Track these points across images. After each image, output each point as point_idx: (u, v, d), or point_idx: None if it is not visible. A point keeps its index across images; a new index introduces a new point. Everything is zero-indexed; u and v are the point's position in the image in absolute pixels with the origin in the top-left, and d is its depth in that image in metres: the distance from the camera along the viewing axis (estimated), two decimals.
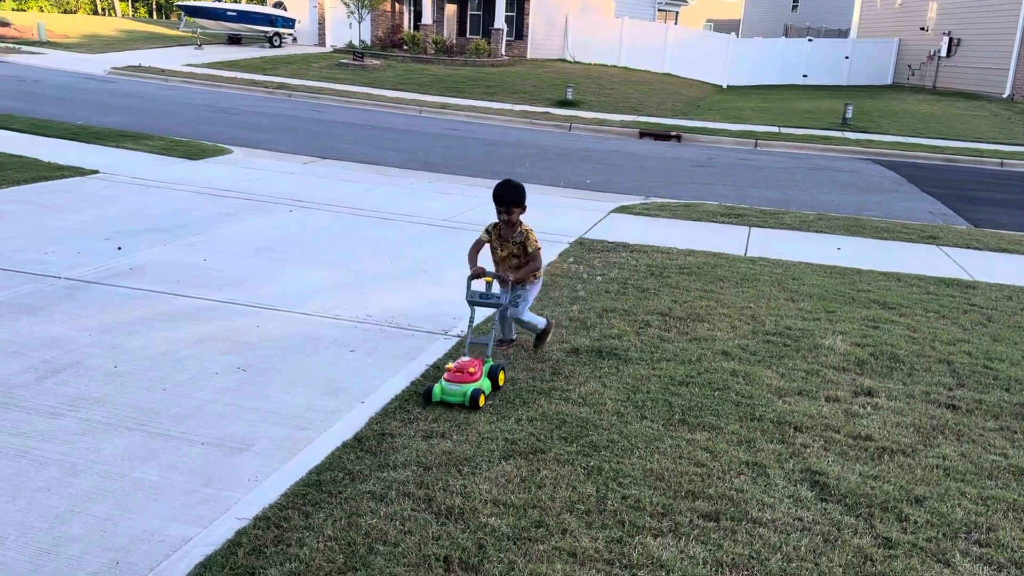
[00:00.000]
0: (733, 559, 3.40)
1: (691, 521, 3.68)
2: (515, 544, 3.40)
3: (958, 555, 3.54)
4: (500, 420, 4.56)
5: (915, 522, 3.78)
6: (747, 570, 3.34)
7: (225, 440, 4.12)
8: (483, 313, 6.23)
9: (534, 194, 6.20)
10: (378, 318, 6.13)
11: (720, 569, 3.33)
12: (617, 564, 3.31)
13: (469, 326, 5.20)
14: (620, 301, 6.94)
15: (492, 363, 4.95)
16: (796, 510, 3.83)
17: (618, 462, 4.16)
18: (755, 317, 6.74)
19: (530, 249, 5.30)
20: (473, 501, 3.70)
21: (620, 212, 11.00)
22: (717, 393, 5.14)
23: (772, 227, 10.56)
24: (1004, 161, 19.47)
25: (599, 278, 7.67)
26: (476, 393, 4.65)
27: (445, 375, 4.68)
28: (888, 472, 4.26)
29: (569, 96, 25.95)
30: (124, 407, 4.42)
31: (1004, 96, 30.95)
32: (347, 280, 7.10)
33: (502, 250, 5.34)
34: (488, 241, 5.36)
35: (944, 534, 3.70)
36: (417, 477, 3.88)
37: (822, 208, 12.52)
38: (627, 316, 6.55)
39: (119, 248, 7.46)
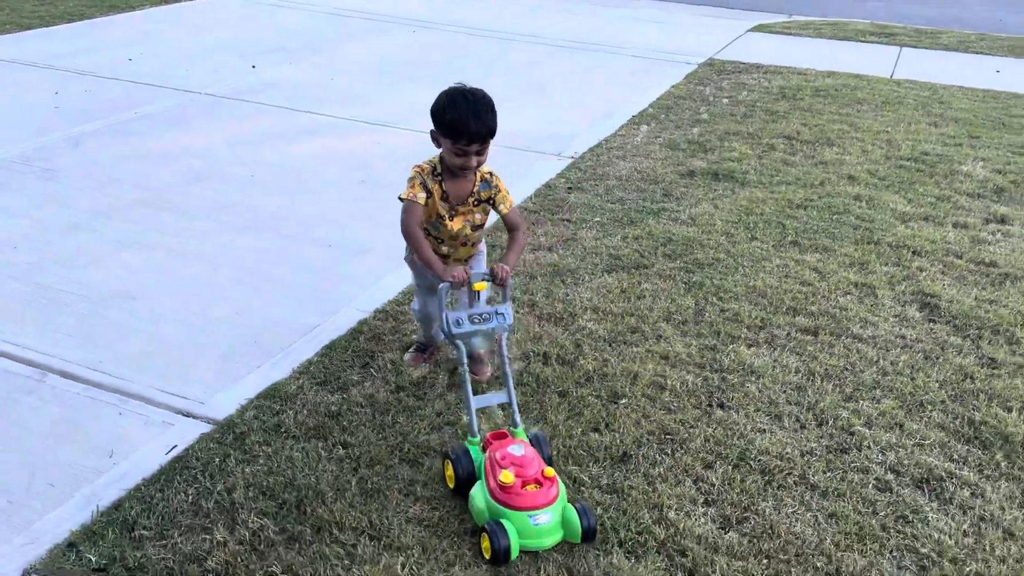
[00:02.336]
0: (826, 369, 3.46)
1: (788, 335, 3.73)
2: (610, 345, 3.59)
3: None
4: (606, 237, 4.66)
5: None
6: (838, 380, 3.40)
7: (347, 243, 4.45)
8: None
9: (657, 10, 5.89)
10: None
11: (811, 377, 3.41)
12: (708, 368, 3.45)
13: (464, 373, 2.75)
14: (745, 124, 6.69)
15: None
16: (900, 329, 3.80)
17: (720, 279, 4.21)
18: (890, 142, 6.36)
19: (505, 209, 3.03)
20: (573, 307, 3.88)
21: (759, 31, 10.32)
22: (836, 216, 5.00)
23: (926, 47, 9.66)
24: None
25: (726, 100, 7.37)
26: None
27: (511, 495, 2.45)
28: (1007, 297, 4.10)
29: None
30: (259, 211, 4.81)
31: None
32: None
33: (454, 219, 3.02)
34: (426, 207, 2.98)
35: None
36: (523, 284, 4.08)
37: (987, 28, 11.25)
38: (751, 139, 6.34)
39: (253, 66, 7.78)
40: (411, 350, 3.43)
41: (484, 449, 2.64)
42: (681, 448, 2.96)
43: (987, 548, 2.55)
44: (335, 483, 2.65)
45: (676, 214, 4.99)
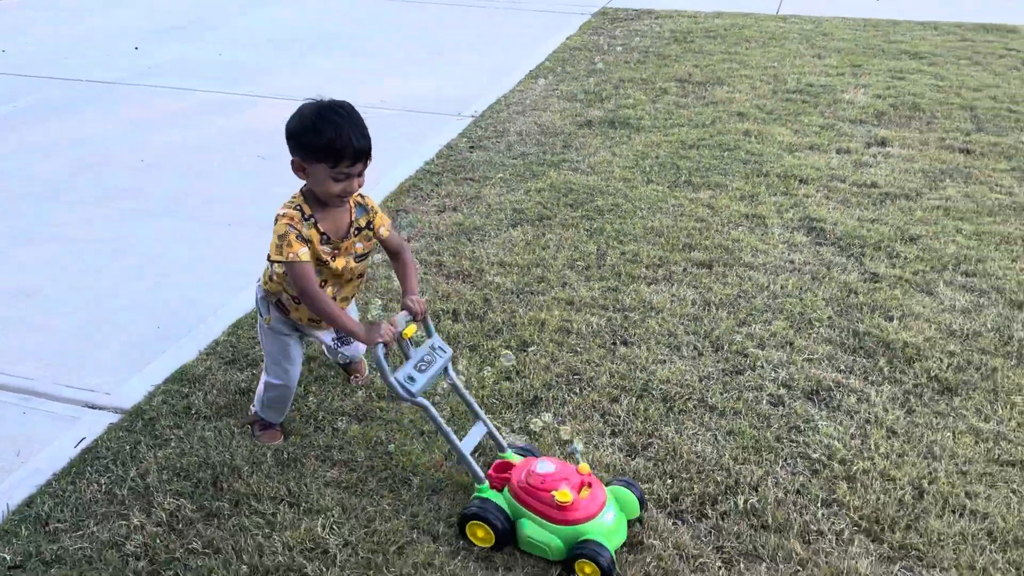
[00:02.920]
0: (720, 299, 3.63)
1: (685, 270, 3.89)
2: (518, 297, 3.68)
3: (942, 285, 3.70)
4: (510, 192, 4.73)
5: (905, 258, 3.92)
6: (732, 307, 3.57)
7: (249, 221, 4.41)
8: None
9: None
10: (393, 102, 6.18)
11: (707, 308, 3.57)
12: (611, 308, 3.58)
13: (444, 429, 2.45)
14: (639, 70, 6.82)
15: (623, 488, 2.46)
16: (789, 254, 4.00)
17: (620, 223, 4.33)
18: (777, 76, 6.59)
19: (386, 232, 2.63)
20: (480, 264, 3.95)
21: None
22: (727, 153, 5.18)
23: None
24: None
25: (620, 48, 7.48)
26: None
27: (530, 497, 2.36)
28: (887, 215, 4.35)
29: None
30: (154, 196, 4.71)
31: None
32: (363, 67, 7.08)
33: (336, 259, 2.54)
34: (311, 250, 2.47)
35: (932, 267, 3.85)
36: (429, 246, 4.12)
37: None
38: (644, 85, 6.47)
39: (136, 48, 7.51)
40: (258, 428, 2.80)
41: (499, 489, 2.43)
42: (589, 386, 3.08)
43: (872, 447, 2.76)
44: (250, 457, 2.68)
45: (576, 164, 5.09)
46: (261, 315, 2.69)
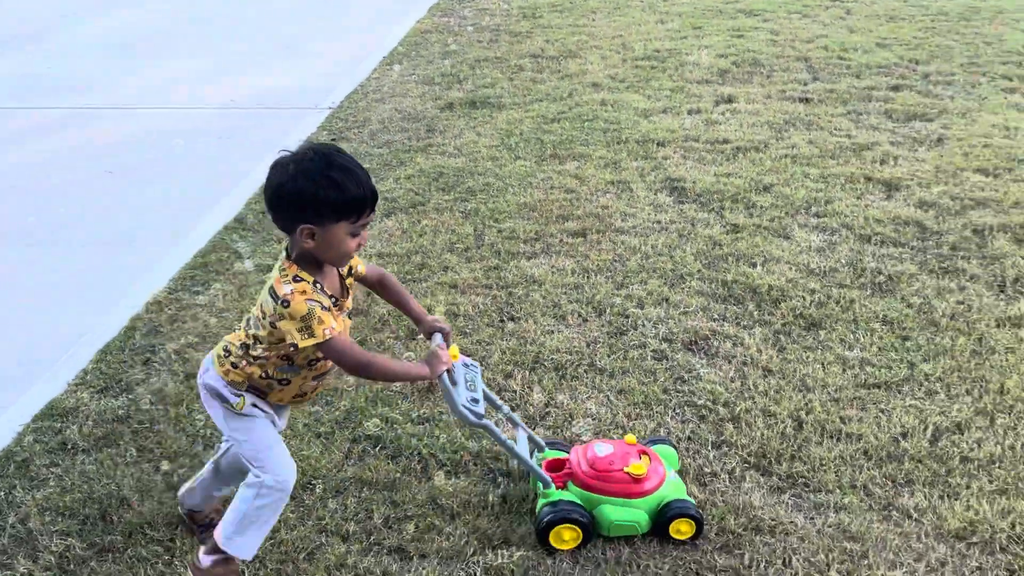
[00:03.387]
0: (598, 265, 3.74)
1: (561, 241, 3.97)
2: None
3: (796, 228, 3.95)
4: (379, 181, 4.66)
5: (761, 207, 4.15)
6: (609, 272, 3.69)
7: (105, 239, 4.16)
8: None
9: None
10: (244, 101, 5.97)
11: (586, 275, 3.67)
12: (495, 286, 3.62)
13: (506, 442, 2.33)
14: (493, 49, 6.87)
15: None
16: (655, 215, 4.16)
17: (494, 202, 4.37)
18: (625, 45, 6.79)
19: (363, 268, 2.32)
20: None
21: None
22: (587, 124, 5.31)
23: None
24: None
25: (471, 28, 7.51)
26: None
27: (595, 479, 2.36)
28: (740, 169, 4.59)
29: None
30: None
31: None
32: (207, 67, 6.80)
33: (337, 318, 2.09)
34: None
35: (787, 212, 4.09)
36: None
37: None
38: (500, 63, 6.52)
39: None
40: (209, 556, 2.21)
41: (563, 487, 2.35)
42: (482, 365, 3.10)
43: (751, 387, 2.92)
44: (138, 486, 2.56)
45: (443, 147, 5.08)
46: (225, 405, 2.16)
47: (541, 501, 2.34)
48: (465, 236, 4.04)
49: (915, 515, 2.32)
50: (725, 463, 2.58)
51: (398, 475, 2.56)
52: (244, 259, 3.92)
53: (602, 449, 2.36)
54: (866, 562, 2.18)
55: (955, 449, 2.54)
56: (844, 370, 2.97)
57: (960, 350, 3.01)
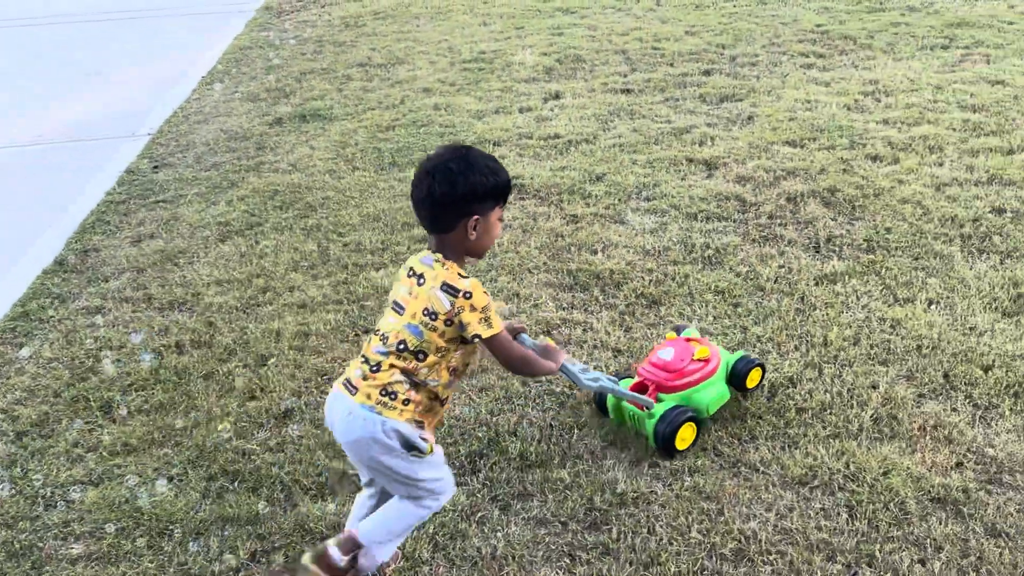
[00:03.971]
0: None
1: (409, 249, 3.96)
2: (245, 313, 3.53)
3: (630, 213, 4.13)
4: (211, 206, 4.49)
5: (596, 196, 4.31)
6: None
7: None
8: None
9: None
10: (54, 135, 5.57)
11: None
12: (346, 301, 3.56)
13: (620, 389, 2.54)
14: (318, 60, 6.74)
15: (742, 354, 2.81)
16: None
17: (336, 216, 4.30)
18: (452, 49, 6.85)
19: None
20: (195, 288, 3.73)
21: None
22: (422, 129, 5.32)
23: None
24: None
25: (293, 41, 7.34)
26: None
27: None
28: (574, 161, 4.74)
29: None
30: None
31: None
32: (8, 102, 6.28)
33: None
34: None
35: (620, 199, 4.27)
36: (133, 280, 3.81)
37: None
38: (327, 74, 6.42)
39: None
40: (343, 555, 2.14)
41: (658, 394, 2.62)
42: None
43: (604, 368, 3.03)
44: None
45: (276, 164, 4.94)
46: (413, 453, 2.07)
47: (651, 422, 2.57)
48: (309, 253, 3.95)
49: (761, 468, 2.49)
50: (587, 444, 2.66)
51: (261, 507, 2.48)
52: (69, 303, 3.66)
53: (666, 354, 2.68)
54: (722, 518, 2.32)
55: (790, 402, 2.75)
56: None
57: (785, 310, 3.25)
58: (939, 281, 3.31)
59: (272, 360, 3.20)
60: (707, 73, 5.84)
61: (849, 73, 5.60)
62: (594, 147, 4.89)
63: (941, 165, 4.25)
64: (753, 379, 2.76)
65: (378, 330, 2.12)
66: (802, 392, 2.79)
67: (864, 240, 3.66)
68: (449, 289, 2.02)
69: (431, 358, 2.04)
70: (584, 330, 3.26)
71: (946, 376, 2.80)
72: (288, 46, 7.16)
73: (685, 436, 2.57)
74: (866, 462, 2.45)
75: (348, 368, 2.14)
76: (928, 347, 2.93)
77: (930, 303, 3.19)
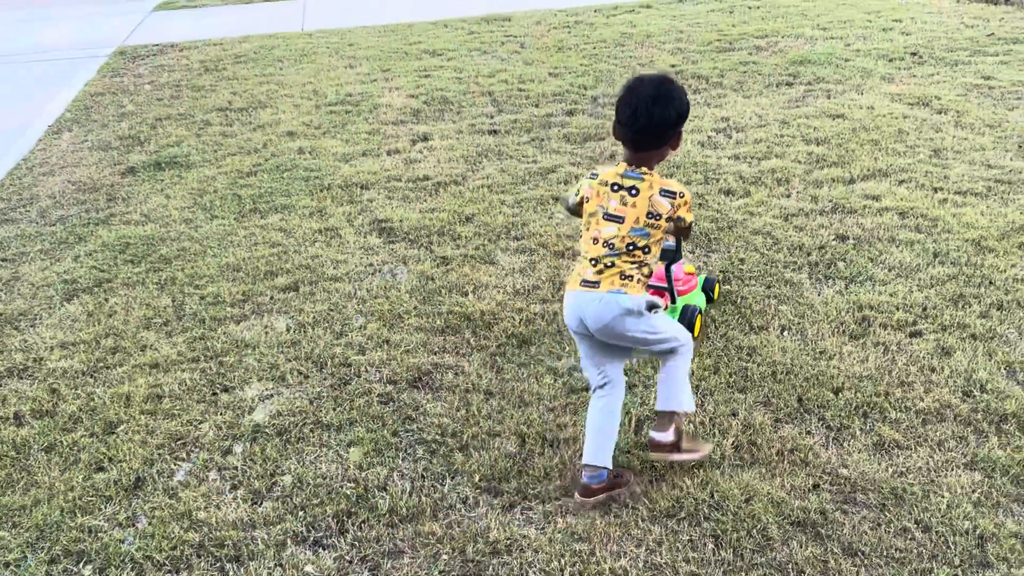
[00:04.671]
0: (314, 318, 3.64)
1: (272, 298, 3.82)
2: (92, 377, 3.30)
3: (500, 252, 4.14)
4: (55, 263, 4.20)
5: (466, 237, 4.31)
6: (327, 323, 3.61)
7: None
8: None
9: (46, 7, 5.33)
10: None
11: (302, 330, 3.55)
12: (202, 358, 3.38)
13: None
14: (175, 106, 6.49)
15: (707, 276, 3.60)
16: (367, 258, 4.15)
17: (192, 267, 4.10)
18: (317, 91, 6.75)
19: None
20: (37, 352, 3.46)
21: (163, 9, 9.97)
22: (286, 174, 5.19)
23: None
24: None
25: (148, 86, 7.04)
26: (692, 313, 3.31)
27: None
28: (444, 203, 4.73)
29: None
30: None
31: None
32: None
33: None
34: None
35: (489, 240, 4.28)
36: None
37: None
38: (185, 120, 6.18)
39: None
40: (683, 438, 2.64)
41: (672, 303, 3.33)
42: (196, 446, 2.89)
43: (476, 412, 2.99)
44: None
45: (128, 216, 4.69)
46: (654, 310, 2.55)
47: (675, 315, 3.30)
48: (163, 309, 3.75)
49: (631, 503, 2.50)
50: (459, 492, 2.61)
51: None
52: None
53: (678, 271, 3.41)
54: (594, 559, 2.31)
55: None
56: (555, 380, 3.14)
57: None
58: (790, 308, 3.47)
59: (122, 427, 2.99)
60: (570, 113, 5.99)
61: (702, 111, 5.87)
62: (463, 188, 4.90)
63: (788, 196, 4.49)
64: (716, 294, 3.57)
65: (596, 239, 2.52)
66: None
67: (720, 271, 3.81)
68: (668, 193, 2.50)
69: (653, 249, 2.53)
70: (456, 374, 3.22)
71: (800, 400, 2.92)
72: (143, 91, 6.86)
73: (697, 325, 3.30)
74: (729, 490, 2.50)
75: (574, 275, 2.59)
76: (782, 372, 3.05)
77: (783, 329, 3.33)
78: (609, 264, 2.49)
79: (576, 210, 2.68)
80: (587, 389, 3.07)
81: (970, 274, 3.63)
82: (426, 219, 4.52)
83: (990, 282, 3.57)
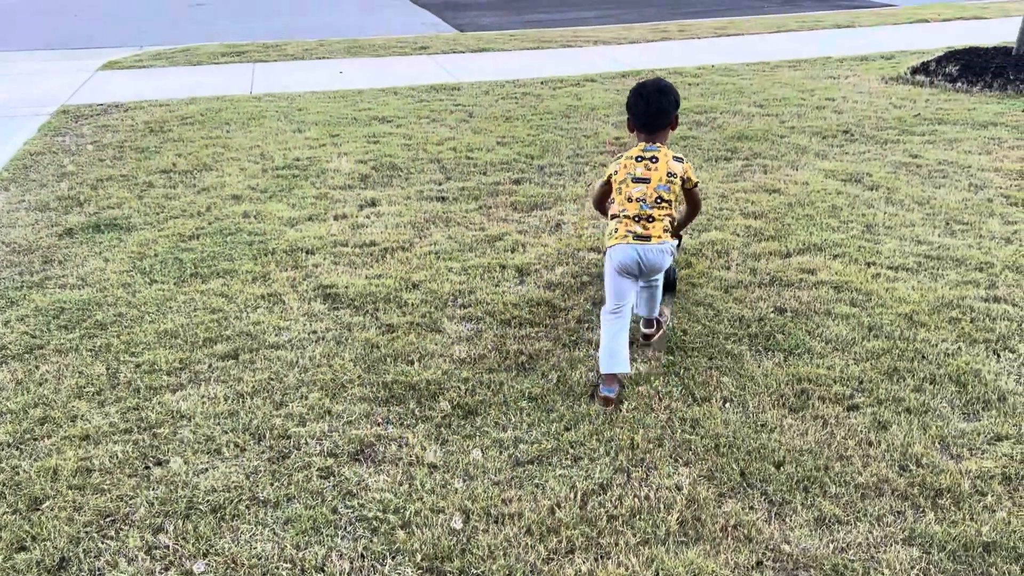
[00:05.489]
0: (253, 387, 3.56)
1: (210, 366, 3.73)
2: (17, 450, 3.15)
3: (446, 320, 4.13)
4: None
5: (412, 304, 4.29)
6: (267, 392, 3.53)
7: None
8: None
9: None
10: None
11: (241, 400, 3.47)
12: (135, 430, 3.26)
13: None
14: (117, 167, 6.40)
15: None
16: (311, 325, 4.10)
17: (129, 334, 3.99)
18: (264, 155, 6.73)
19: None
20: None
21: (109, 68, 9.90)
22: (230, 238, 5.12)
23: (276, 60, 10.42)
24: None
25: (91, 146, 6.94)
26: None
27: None
28: (390, 269, 4.72)
29: None
30: None
31: None
32: None
33: None
34: None
35: (436, 307, 4.27)
36: None
37: (325, 33, 12.60)
38: (127, 181, 6.09)
39: None
40: (655, 328, 3.92)
41: None
42: (126, 523, 2.77)
43: (419, 487, 2.94)
44: None
45: (63, 280, 4.56)
46: (674, 250, 3.62)
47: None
48: (96, 377, 3.62)
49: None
50: (400, 573, 2.54)
51: None
52: None
53: None
54: None
55: (601, 509, 2.77)
56: (501, 452, 3.11)
57: (595, 414, 3.32)
58: (732, 379, 3.53)
59: (47, 503, 2.85)
60: (517, 182, 6.08)
61: None
62: (410, 255, 4.90)
63: (728, 268, 4.60)
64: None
65: (630, 198, 3.48)
66: (612, 498, 2.83)
67: (663, 341, 3.86)
68: (678, 159, 3.55)
69: (674, 202, 3.52)
70: (399, 446, 3.16)
71: (743, 474, 2.94)
72: (85, 152, 6.75)
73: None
74: (674, 568, 2.49)
75: (618, 234, 3.51)
76: (725, 445, 3.08)
77: (725, 401, 3.38)
78: (648, 218, 3.47)
79: (600, 199, 3.93)
80: (531, 462, 3.07)
81: (904, 348, 3.75)
82: (372, 285, 4.50)
83: (923, 356, 3.69)
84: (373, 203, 5.75)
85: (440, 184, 6.08)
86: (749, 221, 5.24)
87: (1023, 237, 4.92)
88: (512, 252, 4.89)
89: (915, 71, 9.16)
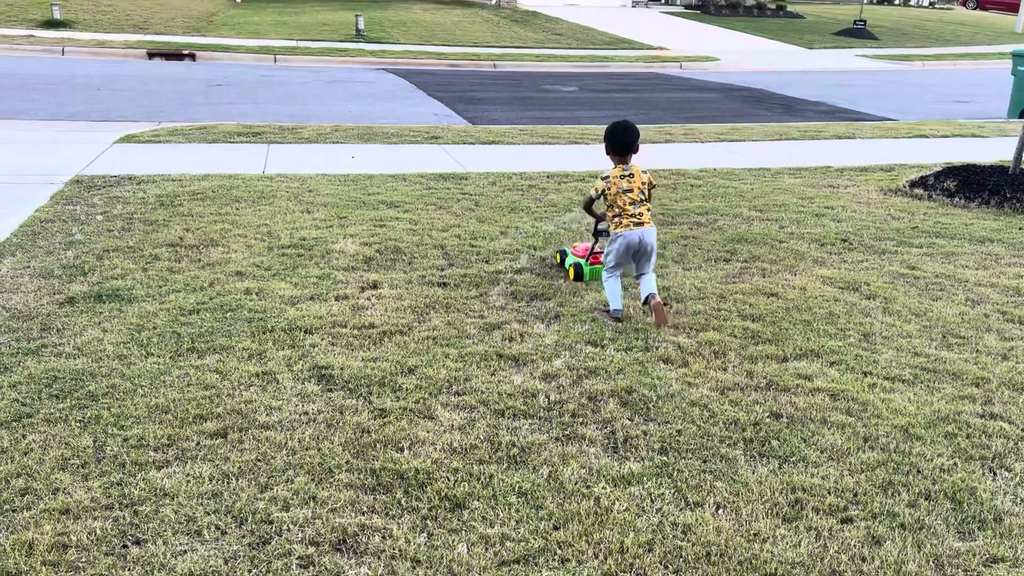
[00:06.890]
0: (239, 468, 3.51)
1: (198, 444, 3.69)
2: None
3: (440, 408, 4.11)
4: None
5: (407, 389, 4.27)
6: (252, 473, 3.48)
7: None
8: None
9: (7, 129, 5.39)
10: None
11: (226, 480, 3.42)
12: (117, 506, 3.21)
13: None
14: (124, 238, 6.48)
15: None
16: (303, 406, 4.07)
17: (119, 406, 3.97)
18: (271, 233, 6.82)
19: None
20: None
21: (126, 142, 10.13)
22: (230, 314, 5.14)
23: (290, 142, 10.65)
24: (496, 62, 22.06)
25: (100, 217, 7.04)
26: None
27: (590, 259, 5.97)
28: (387, 352, 4.72)
29: (57, 15, 22.66)
30: None
31: (492, 3, 34.76)
32: None
33: None
34: None
35: (430, 393, 4.25)
36: None
37: (339, 119, 12.95)
38: (132, 253, 6.15)
39: None
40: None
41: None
42: None
43: None
44: None
45: (59, 348, 4.56)
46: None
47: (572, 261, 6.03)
48: (82, 449, 3.58)
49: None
50: None
51: None
52: None
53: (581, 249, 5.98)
54: None
55: None
56: (487, 549, 3.05)
57: (585, 513, 3.26)
58: (725, 485, 3.48)
59: None
60: (519, 272, 6.14)
61: None
62: (408, 339, 4.91)
63: (725, 370, 4.60)
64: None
65: (628, 190, 5.16)
66: None
67: (658, 441, 3.82)
68: (645, 172, 5.24)
69: (651, 199, 5.30)
70: (383, 538, 3.10)
71: None
72: (95, 222, 6.85)
73: (571, 273, 5.99)
74: None
75: (624, 224, 5.18)
76: (717, 555, 3.01)
77: (718, 507, 3.32)
78: (639, 213, 5.18)
79: (589, 204, 5.55)
80: (517, 561, 2.99)
81: (899, 461, 3.71)
82: (368, 368, 4.49)
83: (918, 470, 3.65)
84: (375, 285, 5.79)
85: (442, 270, 6.14)
86: (747, 323, 5.26)
87: (1019, 354, 4.93)
88: (510, 341, 4.89)
89: (914, 184, 9.35)
